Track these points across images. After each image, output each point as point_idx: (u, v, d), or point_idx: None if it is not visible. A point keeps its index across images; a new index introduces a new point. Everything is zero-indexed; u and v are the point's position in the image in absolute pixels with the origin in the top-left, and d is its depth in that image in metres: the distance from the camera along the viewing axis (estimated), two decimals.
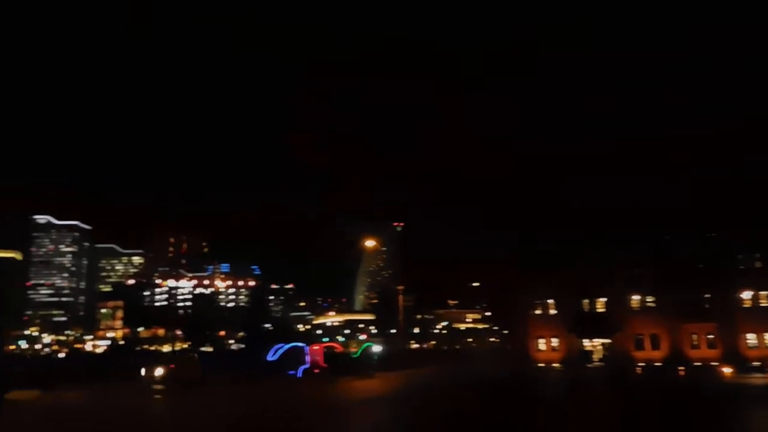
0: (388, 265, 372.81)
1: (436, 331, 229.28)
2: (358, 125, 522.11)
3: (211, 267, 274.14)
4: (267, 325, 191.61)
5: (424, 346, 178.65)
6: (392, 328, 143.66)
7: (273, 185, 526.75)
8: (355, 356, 49.46)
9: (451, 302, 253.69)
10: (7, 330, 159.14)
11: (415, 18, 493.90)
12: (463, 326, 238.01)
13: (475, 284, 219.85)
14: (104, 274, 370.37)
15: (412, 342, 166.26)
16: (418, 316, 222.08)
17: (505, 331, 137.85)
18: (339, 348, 55.31)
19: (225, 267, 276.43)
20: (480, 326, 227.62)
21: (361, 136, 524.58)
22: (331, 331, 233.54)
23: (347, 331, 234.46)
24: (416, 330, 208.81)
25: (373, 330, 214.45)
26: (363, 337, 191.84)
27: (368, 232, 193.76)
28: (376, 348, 57.90)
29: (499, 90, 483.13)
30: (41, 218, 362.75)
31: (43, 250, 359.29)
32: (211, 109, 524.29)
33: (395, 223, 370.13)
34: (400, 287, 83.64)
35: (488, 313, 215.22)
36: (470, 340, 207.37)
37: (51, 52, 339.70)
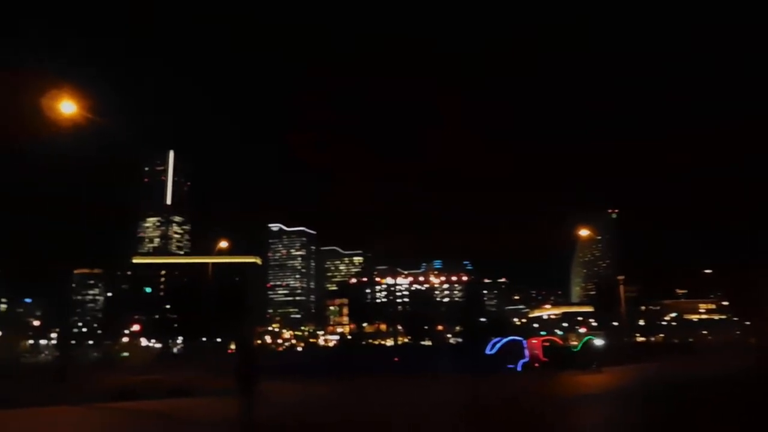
0: (605, 254, 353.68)
1: (664, 322, 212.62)
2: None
3: (424, 264, 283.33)
4: (483, 320, 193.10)
5: (651, 339, 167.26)
6: (614, 321, 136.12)
7: None
8: (576, 350, 48.06)
9: (680, 291, 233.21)
10: (254, 326, 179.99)
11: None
12: (695, 317, 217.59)
13: (707, 271, 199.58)
14: (329, 274, 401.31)
15: (636, 335, 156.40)
16: (643, 308, 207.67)
17: (747, 323, 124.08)
18: (559, 341, 54.15)
19: (437, 264, 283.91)
20: (716, 317, 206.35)
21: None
22: (548, 325, 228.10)
23: (565, 324, 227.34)
24: (641, 322, 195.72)
25: (593, 322, 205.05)
26: (583, 330, 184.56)
27: (581, 221, 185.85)
28: (598, 341, 55.71)
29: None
30: (274, 226, 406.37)
31: (278, 254, 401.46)
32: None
33: (610, 210, 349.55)
34: (621, 277, 79.08)
35: (725, 303, 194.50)
36: (705, 332, 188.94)
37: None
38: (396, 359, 59.59)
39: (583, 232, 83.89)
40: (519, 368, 44.26)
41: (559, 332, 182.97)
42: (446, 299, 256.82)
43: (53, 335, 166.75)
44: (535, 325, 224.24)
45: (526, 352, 45.26)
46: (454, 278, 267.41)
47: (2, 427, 20.33)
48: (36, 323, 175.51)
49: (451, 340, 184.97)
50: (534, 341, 47.62)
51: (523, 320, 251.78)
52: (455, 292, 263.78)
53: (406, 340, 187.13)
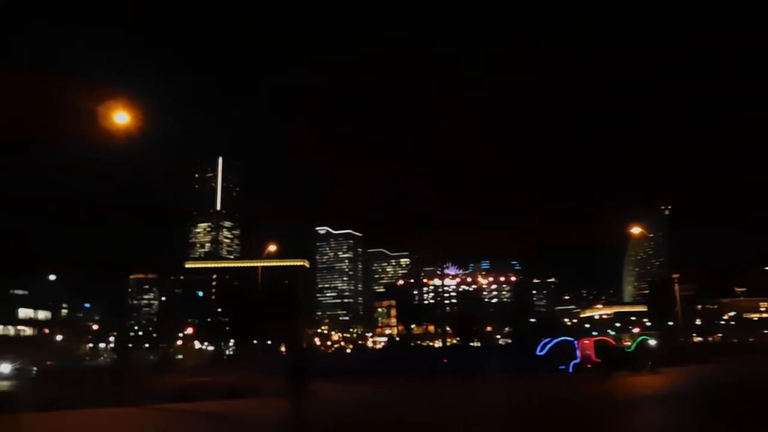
0: (658, 252, 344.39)
1: (722, 322, 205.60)
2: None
3: (472, 264, 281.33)
4: (532, 320, 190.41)
5: (709, 338, 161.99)
6: (669, 320, 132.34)
7: None
8: (629, 350, 46.93)
9: (739, 290, 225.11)
10: (304, 329, 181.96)
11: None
12: (755, 316, 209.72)
13: None
14: (377, 276, 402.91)
15: (693, 335, 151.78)
16: (699, 307, 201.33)
17: None
18: (612, 342, 52.97)
19: (485, 264, 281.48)
20: None
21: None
22: (600, 325, 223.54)
23: (617, 324, 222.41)
24: (698, 322, 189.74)
25: (647, 322, 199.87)
26: (636, 330, 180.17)
27: (633, 219, 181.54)
28: (653, 341, 54.28)
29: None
30: (321, 229, 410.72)
31: (326, 257, 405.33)
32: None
33: (663, 207, 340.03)
34: (676, 275, 76.80)
35: None
36: (766, 331, 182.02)
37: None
38: (445, 360, 59.27)
39: (635, 230, 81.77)
40: (570, 369, 43.50)
41: (611, 332, 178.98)
42: (494, 300, 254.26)
43: (111, 338, 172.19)
44: (587, 326, 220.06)
45: (578, 353, 44.43)
46: (502, 279, 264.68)
47: (64, 427, 21.11)
48: (95, 327, 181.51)
49: (501, 341, 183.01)
50: (586, 341, 46.68)
51: (574, 320, 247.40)
52: (504, 292, 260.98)
53: (455, 341, 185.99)
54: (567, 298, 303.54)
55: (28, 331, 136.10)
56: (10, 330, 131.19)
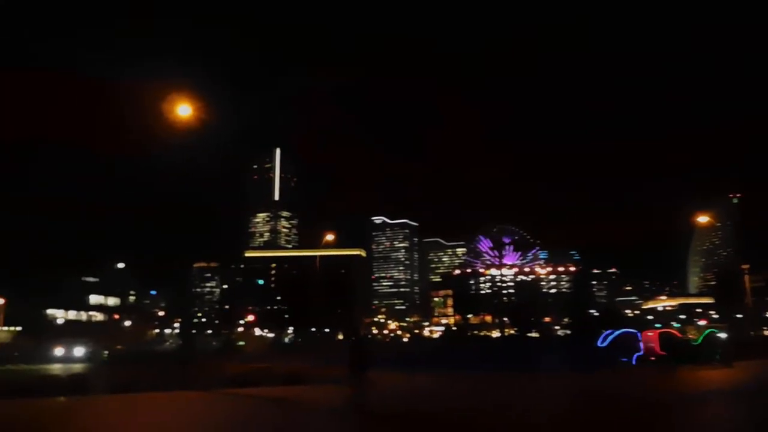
0: (726, 242, 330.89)
1: None
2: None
3: (531, 254, 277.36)
4: (592, 311, 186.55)
5: None
6: (737, 313, 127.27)
7: None
8: (696, 343, 45.33)
9: None
10: (362, 317, 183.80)
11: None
12: None
13: None
14: (433, 265, 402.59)
15: (764, 328, 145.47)
16: None
17: None
18: (677, 334, 51.28)
19: (543, 254, 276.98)
20: None
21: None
22: (664, 317, 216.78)
23: (682, 316, 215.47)
24: None
25: (714, 315, 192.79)
26: (702, 322, 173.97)
27: (699, 208, 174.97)
28: (721, 334, 52.24)
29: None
30: (377, 219, 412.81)
31: (382, 246, 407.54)
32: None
33: (731, 195, 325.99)
34: (745, 266, 73.63)
35: None
36: None
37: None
38: (503, 351, 58.81)
39: (702, 219, 78.71)
40: (633, 362, 42.38)
41: (675, 324, 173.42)
42: (553, 290, 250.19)
43: (176, 325, 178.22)
44: (649, 317, 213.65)
45: (641, 345, 43.22)
46: (561, 269, 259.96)
47: (132, 409, 22.03)
48: (161, 314, 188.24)
49: (559, 332, 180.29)
50: (650, 333, 45.29)
51: (636, 312, 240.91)
52: (562, 283, 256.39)
53: (512, 331, 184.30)
54: (629, 288, 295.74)
55: (98, 316, 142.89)
56: (83, 315, 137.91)
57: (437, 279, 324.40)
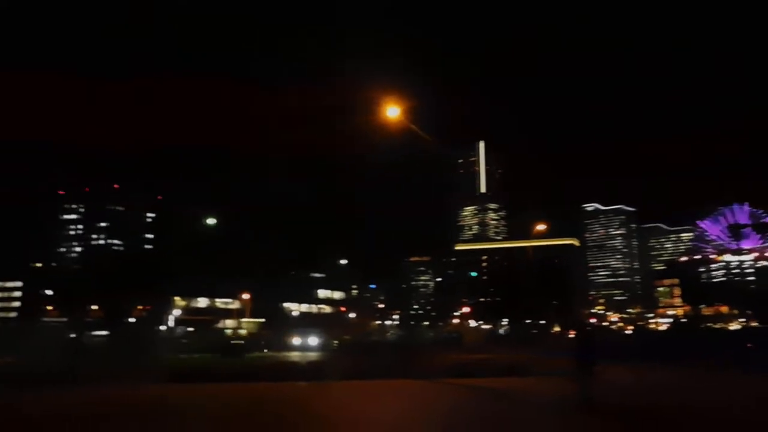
0: None
1: None
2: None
3: None
4: None
5: None
6: None
7: None
8: None
9: None
10: (579, 308, 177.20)
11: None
12: None
13: None
14: (654, 252, 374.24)
15: None
16: None
17: None
18: None
19: None
20: None
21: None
22: None
23: None
24: None
25: None
26: None
27: None
28: None
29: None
30: (589, 206, 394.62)
31: (595, 235, 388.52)
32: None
33: None
34: None
35: None
36: None
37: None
38: (749, 345, 52.58)
39: None
40: None
41: None
42: None
43: (395, 316, 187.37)
44: None
45: None
46: None
47: (365, 395, 23.80)
48: (381, 306, 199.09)
49: None
50: None
51: None
52: None
53: (755, 324, 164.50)
54: None
55: (326, 309, 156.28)
56: (313, 308, 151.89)
57: (660, 267, 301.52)
